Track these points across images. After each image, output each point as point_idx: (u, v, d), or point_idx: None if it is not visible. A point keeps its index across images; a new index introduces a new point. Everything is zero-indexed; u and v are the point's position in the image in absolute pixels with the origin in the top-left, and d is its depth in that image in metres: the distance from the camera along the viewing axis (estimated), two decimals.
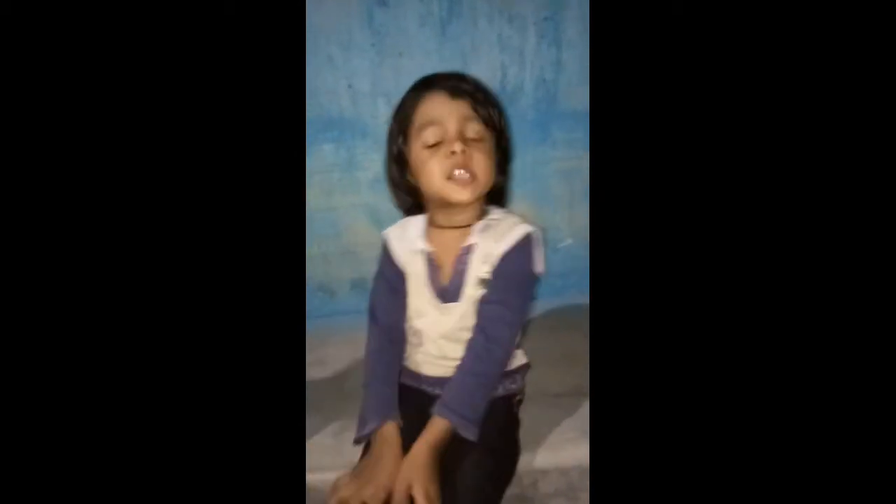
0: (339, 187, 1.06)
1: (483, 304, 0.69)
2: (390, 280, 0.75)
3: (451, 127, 0.65)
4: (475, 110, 0.66)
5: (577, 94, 0.99)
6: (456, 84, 0.67)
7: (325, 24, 0.94)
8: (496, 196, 0.75)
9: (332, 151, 1.03)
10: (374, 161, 1.03)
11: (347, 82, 0.98)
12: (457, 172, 0.64)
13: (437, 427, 0.61)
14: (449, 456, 0.61)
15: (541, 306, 1.06)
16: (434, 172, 0.66)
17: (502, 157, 0.72)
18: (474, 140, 0.65)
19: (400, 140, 0.71)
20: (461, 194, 0.66)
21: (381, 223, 1.08)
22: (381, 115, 1.00)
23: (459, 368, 0.66)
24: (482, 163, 0.65)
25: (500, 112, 0.71)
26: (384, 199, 1.05)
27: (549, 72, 0.98)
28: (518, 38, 0.95)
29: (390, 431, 0.64)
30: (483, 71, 0.96)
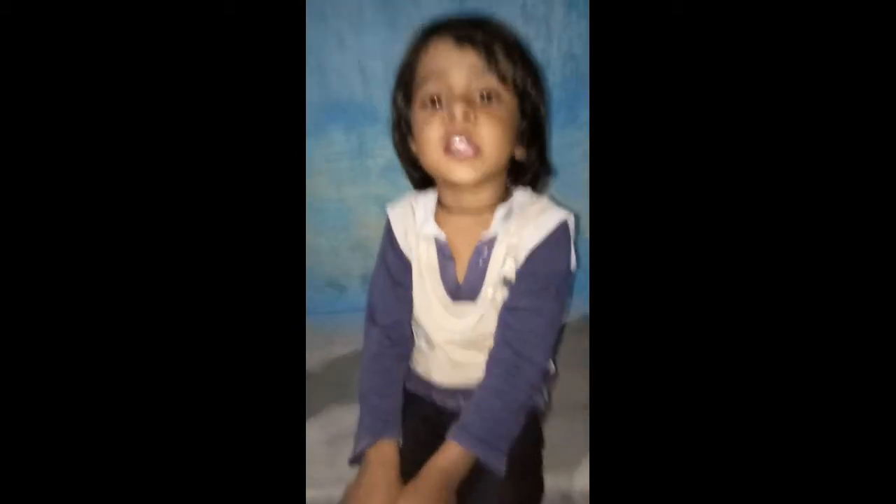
0: (349, 176, 0.99)
1: (509, 310, 0.57)
2: (392, 269, 0.63)
3: (456, 82, 0.51)
4: (489, 62, 0.51)
5: None
6: (467, 30, 0.52)
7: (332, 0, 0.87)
8: (522, 174, 0.61)
9: (341, 138, 0.96)
10: (385, 148, 0.95)
11: (358, 62, 0.91)
12: (456, 140, 0.51)
13: (452, 453, 0.51)
14: (465, 483, 0.52)
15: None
16: (431, 140, 0.53)
17: (530, 125, 0.57)
18: (485, 100, 0.52)
19: (401, 100, 0.58)
20: (461, 172, 0.53)
21: None
22: None
23: (484, 387, 0.55)
24: (491, 131, 0.51)
25: (529, 69, 0.56)
26: (397, 190, 0.98)
27: (578, 46, 0.89)
28: (544, 8, 0.86)
29: (386, 451, 0.54)
30: None
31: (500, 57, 0.52)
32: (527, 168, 0.61)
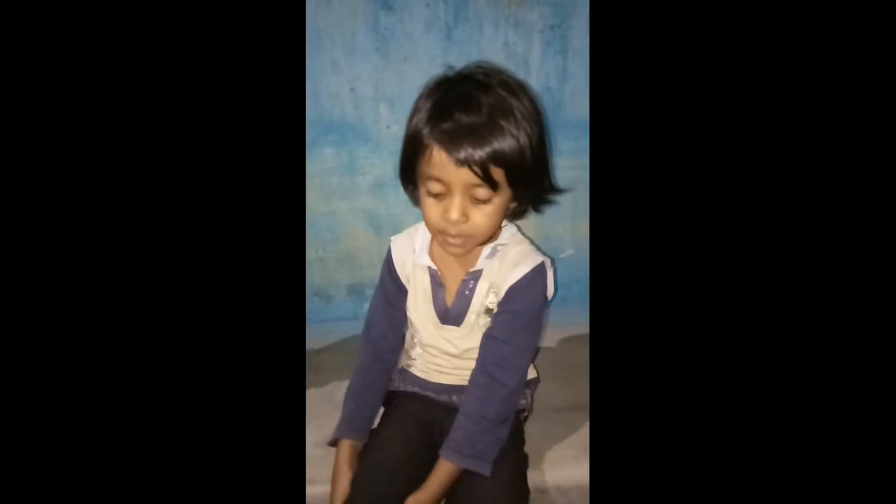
0: (339, 191, 1.05)
1: (489, 339, 0.65)
2: (388, 292, 0.72)
3: (455, 194, 0.57)
4: (484, 178, 0.56)
5: (582, 103, 0.97)
6: (464, 144, 0.55)
7: (329, 28, 0.93)
8: (513, 215, 0.67)
9: (333, 155, 1.02)
10: (374, 166, 1.01)
11: (350, 86, 0.97)
12: (450, 237, 0.60)
13: (444, 468, 0.61)
14: (471, 485, 0.61)
15: None
16: (431, 220, 0.60)
17: (524, 187, 0.61)
18: (480, 201, 0.58)
19: (408, 164, 0.62)
20: (452, 249, 0.62)
21: (380, 229, 1.07)
22: (384, 120, 0.99)
23: (462, 409, 0.64)
24: (482, 222, 0.58)
25: (530, 123, 0.58)
26: (384, 205, 1.05)
27: (553, 80, 0.97)
28: (524, 46, 0.94)
29: (343, 450, 0.66)
30: None
31: (495, 165, 0.55)
32: (516, 211, 0.67)
